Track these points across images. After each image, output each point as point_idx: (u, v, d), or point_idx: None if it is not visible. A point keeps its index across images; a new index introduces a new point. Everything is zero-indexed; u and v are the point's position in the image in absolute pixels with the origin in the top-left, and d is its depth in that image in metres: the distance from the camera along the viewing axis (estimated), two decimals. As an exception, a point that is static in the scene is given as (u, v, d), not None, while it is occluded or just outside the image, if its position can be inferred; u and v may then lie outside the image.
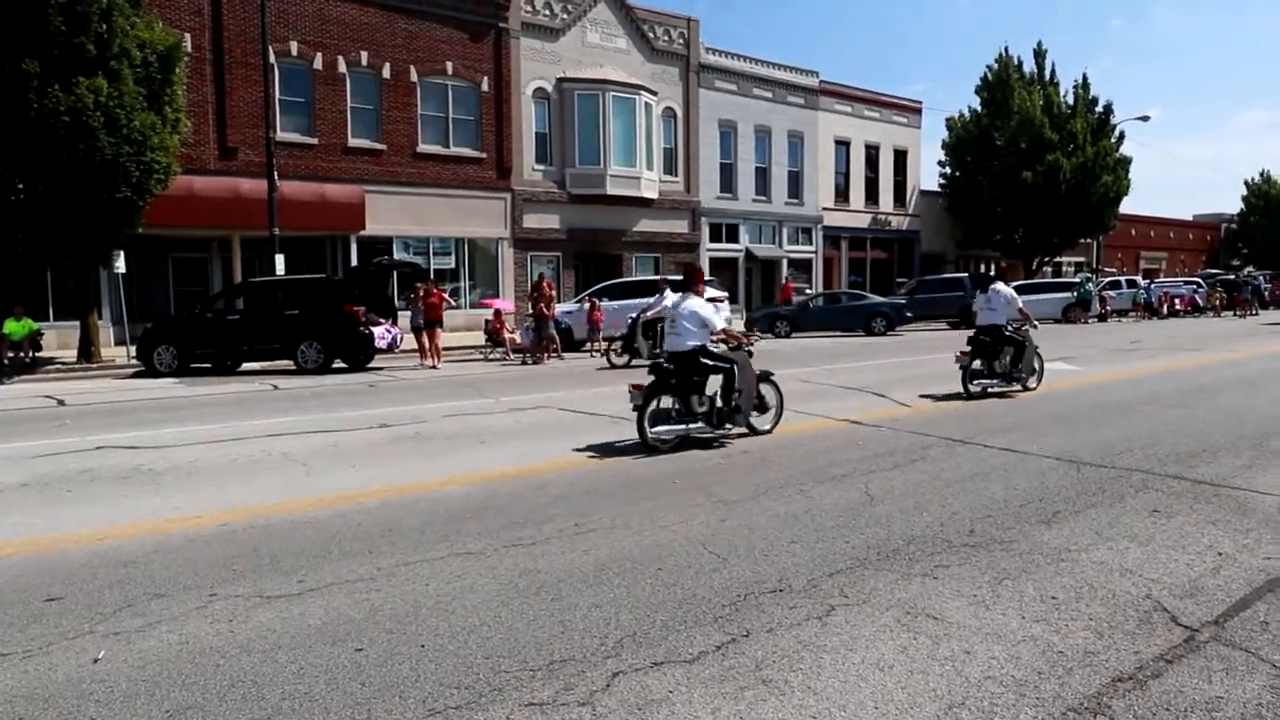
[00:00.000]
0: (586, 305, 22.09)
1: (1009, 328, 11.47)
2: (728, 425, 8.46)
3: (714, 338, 8.48)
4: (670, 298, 14.90)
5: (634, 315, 18.10)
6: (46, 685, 3.42)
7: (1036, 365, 11.90)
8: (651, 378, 8.25)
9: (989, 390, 11.33)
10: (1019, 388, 11.55)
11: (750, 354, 8.83)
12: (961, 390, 11.27)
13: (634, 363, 17.25)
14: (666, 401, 8.25)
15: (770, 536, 5.24)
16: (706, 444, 8.30)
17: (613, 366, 17.62)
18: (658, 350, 15.80)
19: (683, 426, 8.21)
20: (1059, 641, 3.68)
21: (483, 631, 3.87)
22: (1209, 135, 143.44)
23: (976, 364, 11.36)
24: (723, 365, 8.37)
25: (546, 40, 29.71)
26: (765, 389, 9.04)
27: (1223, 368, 15.02)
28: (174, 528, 5.67)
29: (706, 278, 26.87)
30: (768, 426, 8.94)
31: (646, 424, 8.01)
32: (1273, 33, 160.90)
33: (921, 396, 11.52)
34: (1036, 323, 12.61)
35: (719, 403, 8.41)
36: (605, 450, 8.18)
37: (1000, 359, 11.40)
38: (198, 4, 23.21)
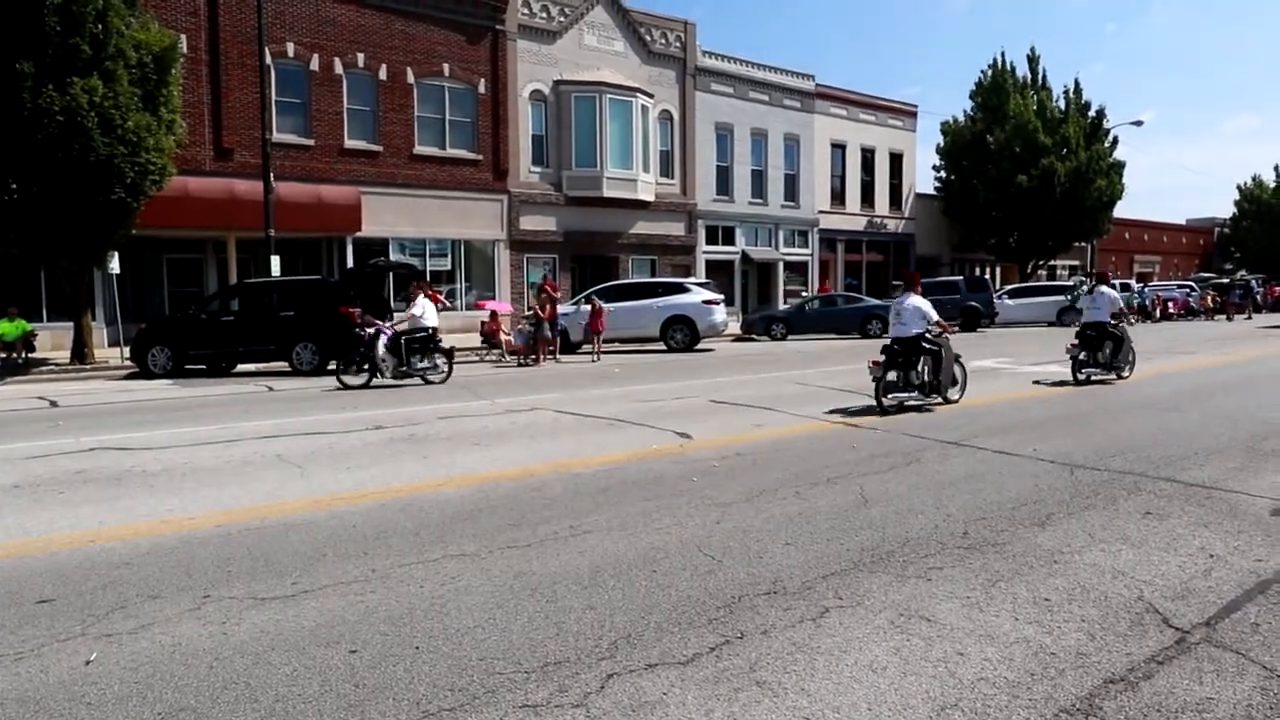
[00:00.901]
0: (586, 307, 22.08)
1: (1110, 324, 13.39)
2: (934, 395, 10.95)
3: (931, 328, 10.97)
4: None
5: (373, 330, 15.49)
6: (38, 687, 3.41)
7: (1132, 358, 13.68)
8: (883, 357, 10.83)
9: (1093, 378, 13.23)
10: (1115, 376, 13.19)
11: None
12: (1070, 378, 13.31)
13: (374, 382, 14.77)
14: (892, 375, 10.82)
15: (765, 539, 5.25)
16: (919, 409, 10.67)
17: (345, 387, 14.45)
18: (404, 367, 14.98)
19: (905, 395, 10.79)
20: (1051, 643, 3.70)
21: (477, 633, 3.87)
22: (1200, 140, 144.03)
23: (1083, 355, 13.11)
24: (934, 348, 10.91)
25: (543, 43, 29.72)
26: (955, 369, 11.25)
27: (1216, 371, 15.07)
28: (167, 529, 5.66)
29: (702, 280, 27.09)
30: (956, 397, 11.29)
31: (881, 391, 10.67)
32: (1260, 39, 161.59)
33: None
34: (1133, 319, 14.81)
35: (928, 377, 10.89)
36: (601, 452, 8.18)
37: (1102, 351, 13.37)
38: (194, 5, 23.19)
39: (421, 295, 15.84)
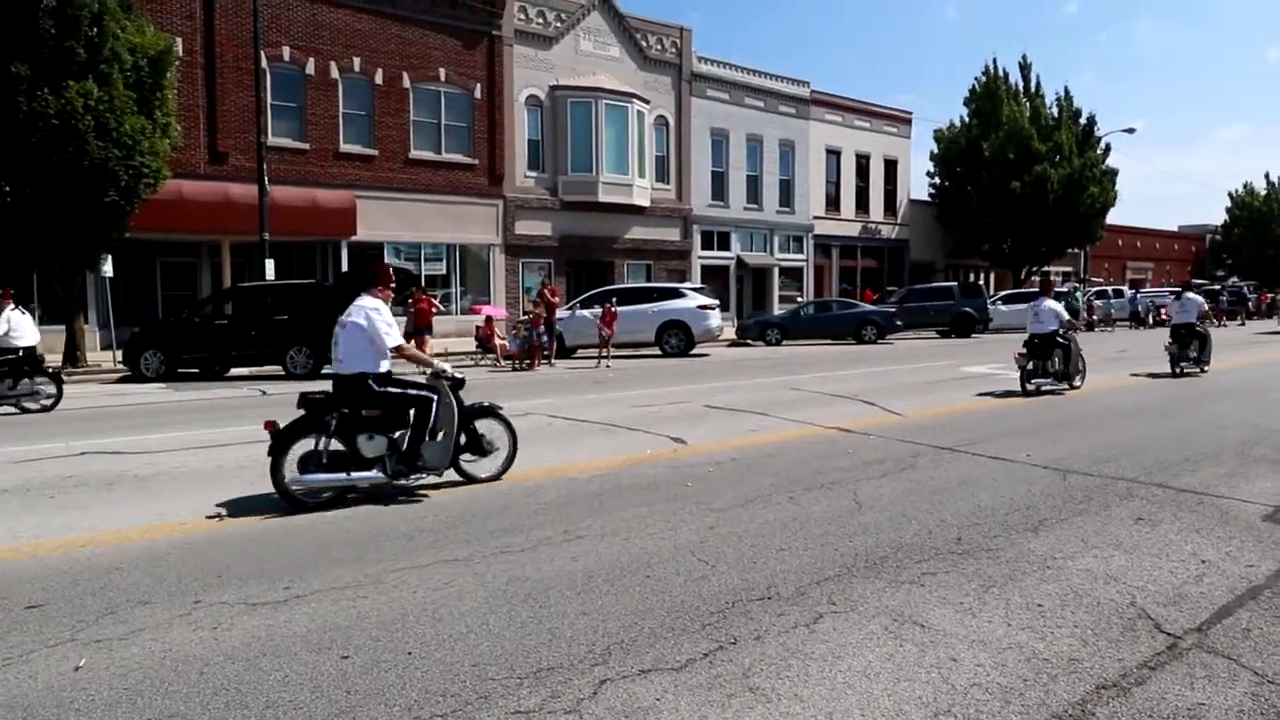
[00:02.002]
0: (582, 312, 22.04)
1: (1198, 325, 15.53)
2: (1063, 382, 12.71)
3: (1064, 325, 12.91)
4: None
5: None
6: (26, 694, 3.39)
7: (1082, 367, 13.82)
8: (1025, 350, 12.61)
9: (1185, 370, 14.84)
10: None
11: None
12: (1169, 370, 14.96)
13: None
14: (1030, 365, 12.54)
15: (759, 544, 5.25)
16: (1053, 393, 12.51)
17: None
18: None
19: (1041, 380, 12.64)
20: (1044, 649, 3.70)
21: (470, 639, 3.86)
22: (1191, 148, 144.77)
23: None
24: (1064, 343, 12.81)
25: (540, 48, 29.76)
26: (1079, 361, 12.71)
27: (1207, 377, 15.10)
28: (158, 534, 5.64)
29: (698, 285, 27.10)
30: (1079, 384, 13.09)
31: (1024, 378, 12.55)
32: (1249, 48, 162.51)
33: (909, 406, 11.57)
34: (1215, 321, 15.57)
35: (1059, 366, 12.64)
36: (595, 457, 8.17)
37: (1192, 347, 15.45)
38: (190, 8, 23.17)
39: (9, 309, 13.30)
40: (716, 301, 24.11)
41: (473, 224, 28.60)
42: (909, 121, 44.05)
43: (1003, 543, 5.23)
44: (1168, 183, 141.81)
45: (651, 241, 32.96)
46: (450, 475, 6.95)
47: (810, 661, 3.58)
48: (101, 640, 3.89)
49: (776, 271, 37.92)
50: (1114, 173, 42.28)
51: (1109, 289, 41.30)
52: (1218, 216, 64.78)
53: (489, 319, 21.48)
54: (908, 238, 43.75)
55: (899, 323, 28.49)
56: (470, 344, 22.84)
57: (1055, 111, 41.72)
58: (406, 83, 26.97)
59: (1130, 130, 43.10)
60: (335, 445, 6.38)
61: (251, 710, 3.23)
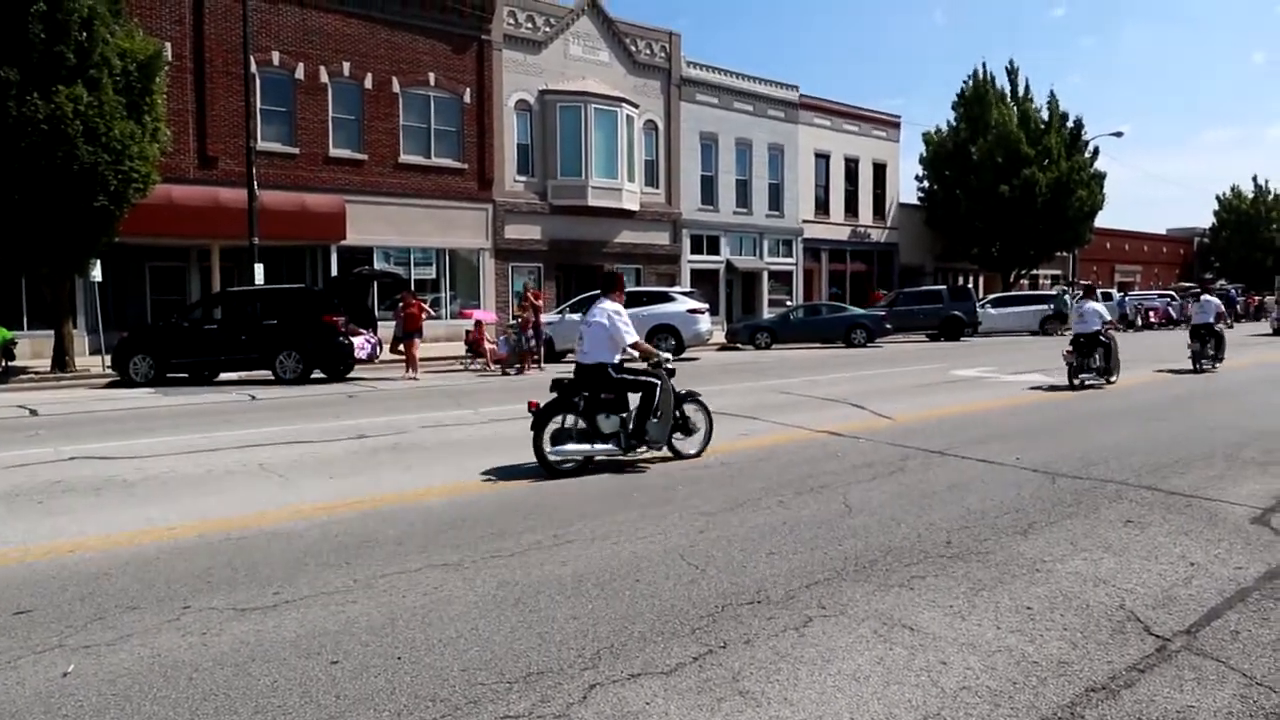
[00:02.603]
0: (573, 316, 22.02)
1: (1216, 325, 16.80)
2: (1105, 377, 14.00)
3: (1106, 325, 14.16)
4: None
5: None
6: (14, 700, 3.37)
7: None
8: (1072, 348, 13.93)
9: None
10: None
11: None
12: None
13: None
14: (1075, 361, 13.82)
15: (748, 548, 5.25)
16: (1096, 387, 13.77)
17: None
18: None
19: (1086, 375, 13.80)
20: (1034, 652, 3.71)
21: (459, 644, 3.85)
22: (1178, 151, 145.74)
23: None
24: (1105, 341, 14.09)
25: (529, 52, 29.78)
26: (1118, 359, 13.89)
27: (1196, 379, 15.20)
28: (147, 539, 5.61)
29: (687, 289, 27.12)
30: (1115, 379, 14.32)
31: (1071, 374, 13.85)
32: (1234, 53, 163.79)
33: (898, 409, 11.60)
34: (1230, 321, 16.41)
35: (1100, 363, 14.00)
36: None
37: (1210, 344, 16.58)
38: (179, 13, 23.11)
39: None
40: (706, 305, 24.13)
41: (462, 228, 28.58)
42: (897, 125, 44.22)
43: (992, 546, 5.25)
44: (1155, 186, 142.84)
45: (641, 245, 32.99)
46: (662, 451, 8.09)
47: (800, 665, 3.59)
48: (90, 646, 3.87)
49: (766, 275, 37.99)
50: (1102, 176, 42.53)
51: (1097, 292, 41.46)
52: (1205, 220, 65.35)
53: (478, 323, 21.45)
54: (897, 241, 43.90)
55: (888, 326, 28.58)
56: (460, 348, 22.80)
57: (1044, 115, 41.95)
58: (396, 87, 26.95)
59: (1118, 134, 43.51)
60: (580, 424, 7.71)
61: (241, 716, 3.22)
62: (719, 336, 28.41)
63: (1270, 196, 62.09)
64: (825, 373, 17.70)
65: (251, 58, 21.90)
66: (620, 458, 7.87)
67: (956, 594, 4.41)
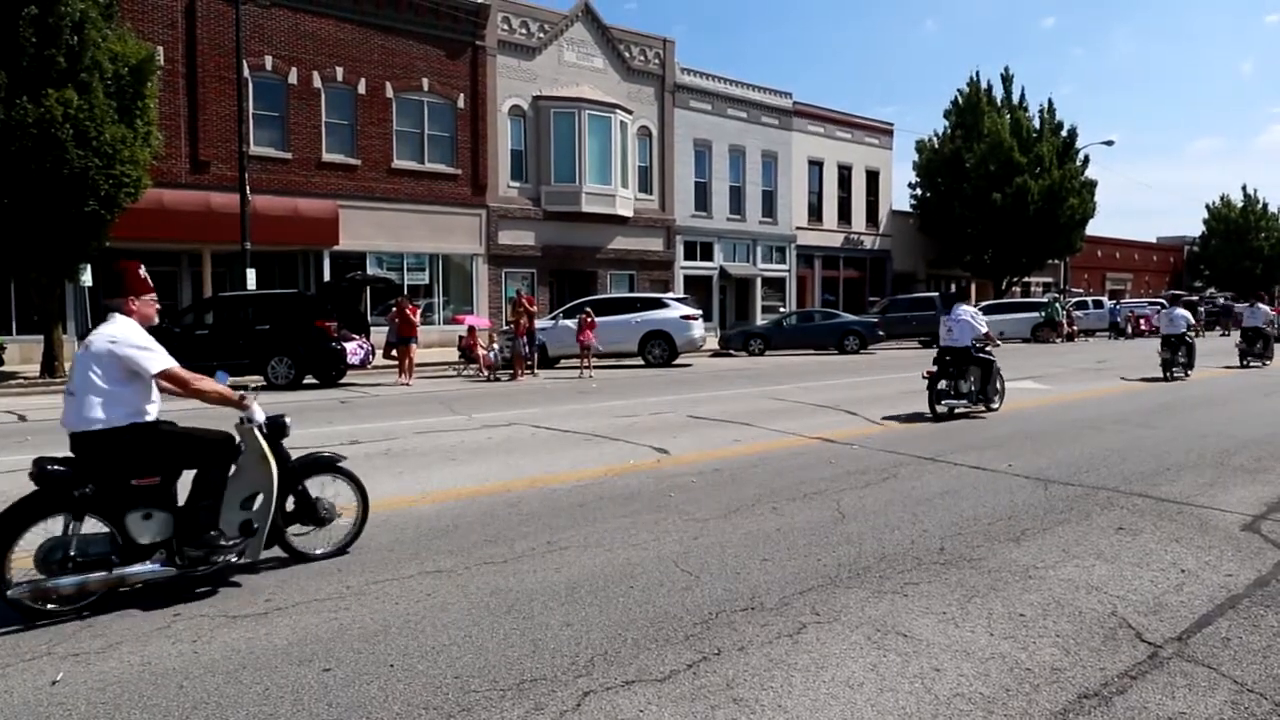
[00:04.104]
0: (565, 321, 22.04)
1: (1188, 335, 17.24)
2: (1184, 374, 16.23)
3: (1191, 329, 16.54)
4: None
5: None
6: (3, 709, 3.35)
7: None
8: (1161, 348, 16.58)
9: (1175, 376, 16.45)
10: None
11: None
12: (1161, 375, 16.53)
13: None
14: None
15: (742, 554, 5.25)
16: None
17: None
18: None
19: (1178, 369, 16.52)
20: (1026, 658, 3.71)
21: (452, 651, 3.84)
22: (1166, 160, 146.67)
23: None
24: (1190, 342, 16.70)
25: (523, 58, 29.81)
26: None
27: (1187, 387, 15.26)
28: (138, 546, 5.57)
29: (681, 295, 27.13)
30: (1187, 374, 16.58)
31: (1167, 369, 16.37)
32: (1223, 62, 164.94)
33: (890, 416, 11.62)
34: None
35: (1183, 359, 16.57)
36: (578, 468, 8.15)
37: (1181, 352, 16.90)
38: (172, 17, 23.08)
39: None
40: (699, 312, 24.14)
41: (456, 234, 28.56)
42: (890, 133, 44.38)
43: (985, 552, 5.26)
44: (1146, 194, 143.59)
45: (634, 252, 33.02)
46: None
47: (794, 672, 3.58)
48: (79, 654, 3.85)
49: (759, 282, 38.05)
50: (1093, 184, 42.73)
51: (1088, 299, 41.70)
52: (1195, 228, 65.69)
53: (472, 329, 21.42)
54: (890, 248, 44.02)
55: (881, 333, 28.65)
56: (453, 354, 22.77)
57: (1037, 124, 42.14)
58: (389, 92, 26.94)
59: (1109, 142, 43.78)
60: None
61: (231, 724, 3.20)
62: (712, 343, 28.41)
63: (1259, 205, 62.45)
64: (818, 379, 17.73)
65: (244, 62, 21.91)
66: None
67: (950, 601, 4.41)
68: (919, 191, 43.91)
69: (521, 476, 7.71)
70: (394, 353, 19.17)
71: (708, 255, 36.04)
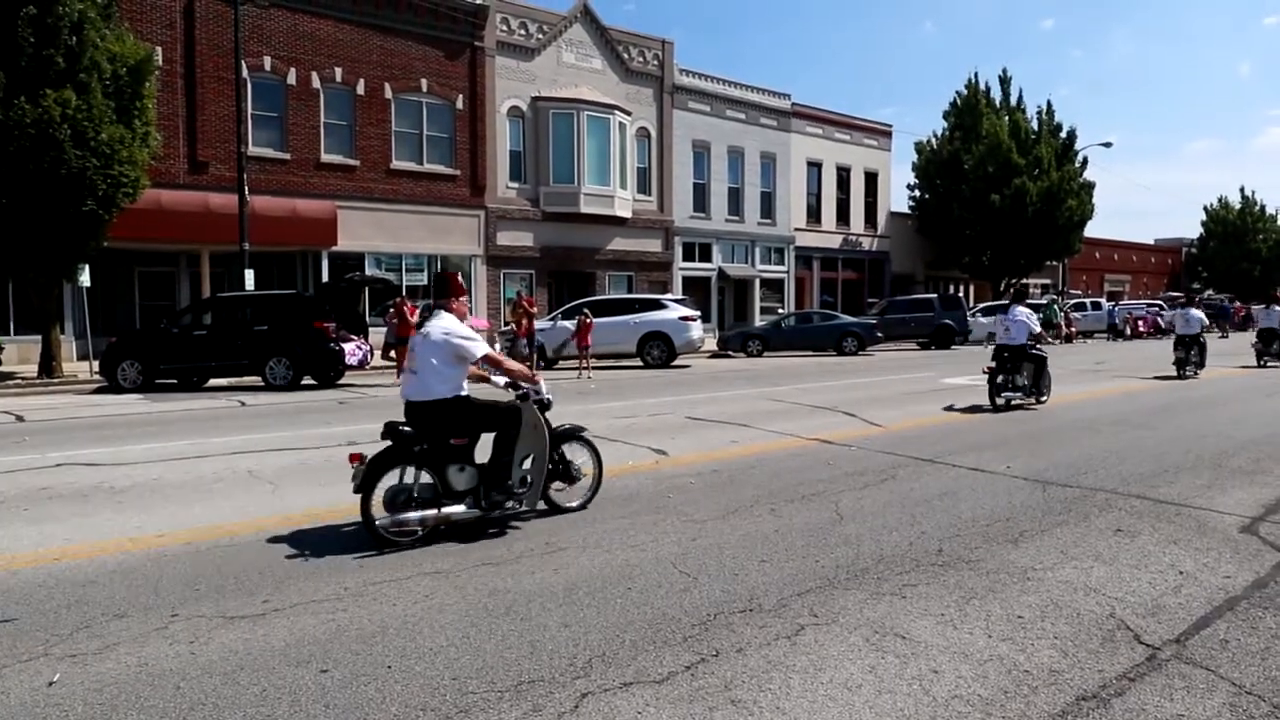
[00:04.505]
0: (564, 323, 22.04)
1: (1201, 335, 17.97)
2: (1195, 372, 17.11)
3: (1204, 329, 17.17)
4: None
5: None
6: None
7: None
8: (1176, 347, 17.39)
9: (1187, 375, 17.22)
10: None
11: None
12: (1175, 374, 17.25)
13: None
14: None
15: (740, 556, 5.25)
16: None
17: None
18: None
19: (1189, 368, 17.26)
20: (1025, 660, 3.71)
21: (450, 652, 3.83)
22: (1164, 162, 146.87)
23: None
24: (1202, 342, 17.90)
25: (522, 59, 29.80)
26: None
27: (1184, 389, 15.27)
28: (135, 547, 5.57)
29: (679, 296, 27.14)
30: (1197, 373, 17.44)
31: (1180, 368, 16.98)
32: (1220, 65, 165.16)
33: (890, 416, 11.62)
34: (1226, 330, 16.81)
35: (1195, 358, 17.59)
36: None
37: (1194, 352, 17.70)
38: (170, 17, 23.06)
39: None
40: (698, 313, 24.15)
41: (454, 235, 28.55)
42: (889, 134, 44.39)
43: (983, 554, 5.26)
44: (1144, 196, 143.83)
45: (633, 253, 33.02)
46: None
47: (792, 674, 3.58)
48: (76, 655, 3.84)
49: (758, 283, 38.05)
50: (1091, 186, 42.77)
51: (1087, 301, 41.76)
52: (1193, 230, 65.77)
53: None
54: (888, 250, 44.03)
55: (879, 334, 28.66)
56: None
57: (1035, 125, 42.17)
58: (388, 93, 26.93)
59: (1107, 144, 43.76)
60: None
61: (228, 726, 3.19)
62: (711, 344, 28.42)
63: (1257, 207, 62.54)
64: (817, 380, 17.73)
65: (243, 62, 21.89)
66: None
67: (948, 602, 4.41)
68: (917, 193, 43.92)
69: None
70: (392, 353, 19.16)
71: (706, 256, 36.04)
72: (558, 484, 6.39)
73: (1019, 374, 12.52)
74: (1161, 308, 42.14)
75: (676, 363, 23.25)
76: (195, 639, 4.01)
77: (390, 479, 5.69)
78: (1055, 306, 34.73)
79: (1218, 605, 4.38)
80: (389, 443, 5.73)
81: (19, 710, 3.33)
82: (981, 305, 38.16)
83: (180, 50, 23.23)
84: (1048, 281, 50.92)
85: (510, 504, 6.00)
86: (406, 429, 5.76)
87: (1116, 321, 38.01)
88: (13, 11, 16.03)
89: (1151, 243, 67.84)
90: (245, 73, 22.71)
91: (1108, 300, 45.16)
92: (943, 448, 9.07)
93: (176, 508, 6.67)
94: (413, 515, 5.58)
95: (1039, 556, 5.20)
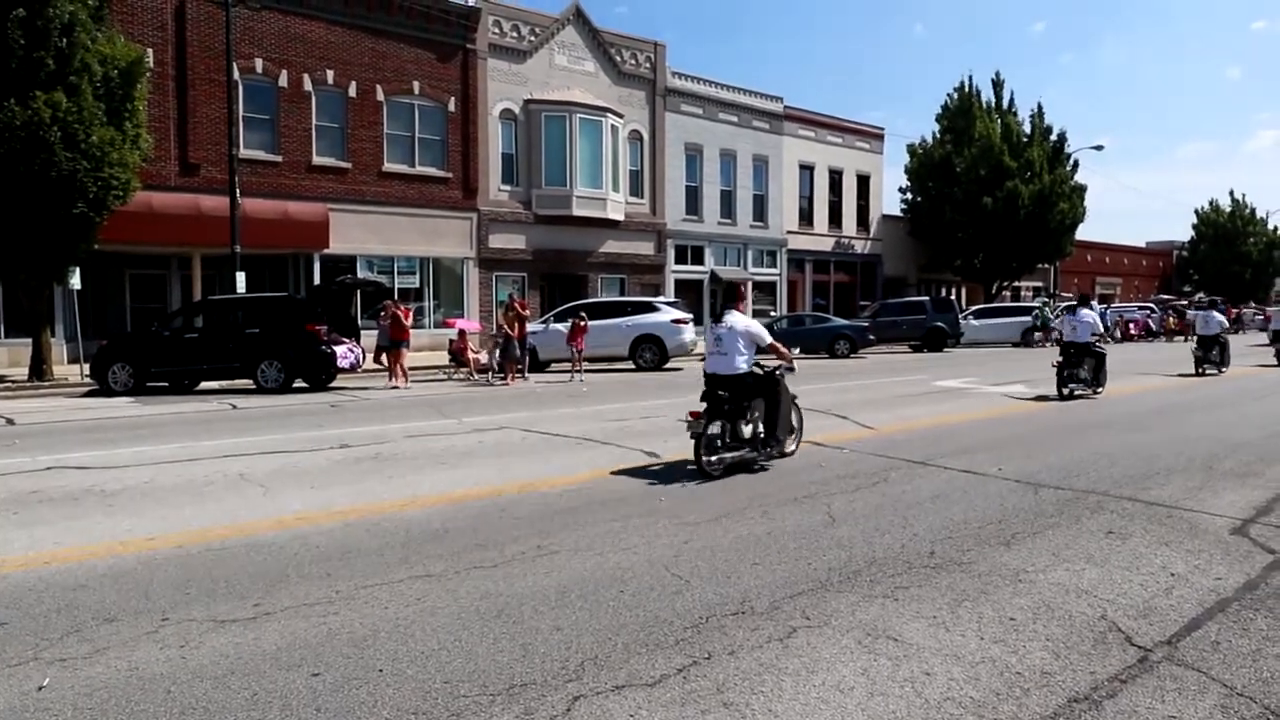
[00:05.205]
0: (556, 325, 22.02)
1: (1222, 335, 18.98)
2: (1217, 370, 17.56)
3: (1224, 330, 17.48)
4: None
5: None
6: (-12, 714, 3.32)
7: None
8: (1196, 347, 17.95)
9: (1206, 372, 18.26)
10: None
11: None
12: (1195, 371, 18.37)
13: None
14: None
15: (733, 558, 5.24)
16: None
17: None
18: None
19: (1209, 365, 17.67)
20: (1016, 662, 3.72)
21: (442, 655, 3.82)
22: (1155, 165, 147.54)
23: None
24: (1223, 342, 18.64)
25: (514, 62, 29.81)
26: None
27: (1176, 392, 15.34)
28: (125, 550, 5.55)
29: (671, 299, 27.15)
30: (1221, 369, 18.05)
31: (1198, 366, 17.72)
32: (1209, 68, 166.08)
33: (882, 419, 11.64)
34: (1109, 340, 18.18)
35: (1215, 357, 18.00)
36: (569, 472, 8.14)
37: (1215, 351, 18.74)
38: (161, 19, 23.00)
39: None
40: (690, 316, 24.16)
41: (446, 237, 28.52)
42: (881, 137, 44.52)
43: (975, 556, 5.26)
44: (1135, 199, 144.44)
45: (625, 255, 33.03)
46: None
47: (784, 676, 3.58)
48: (66, 659, 3.82)
49: (750, 286, 38.06)
50: (1083, 189, 42.96)
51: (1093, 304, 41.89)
52: (1184, 233, 66.07)
53: (462, 333, 21.39)
54: (880, 252, 44.14)
55: (871, 337, 28.71)
56: (443, 358, 22.73)
57: (1027, 128, 42.34)
58: (380, 96, 26.90)
59: (1098, 147, 43.87)
60: None
61: (219, 730, 3.18)
62: (703, 347, 28.38)
63: (1247, 210, 62.86)
64: (809, 383, 17.71)
65: (234, 64, 21.84)
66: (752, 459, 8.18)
67: (940, 605, 4.42)
68: (909, 196, 44.04)
69: (512, 480, 7.70)
70: (383, 357, 19.12)
71: (698, 259, 36.07)
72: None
73: (1081, 368, 14.15)
74: (1152, 310, 42.32)
75: (668, 365, 23.25)
76: (186, 643, 3.99)
77: (712, 428, 7.79)
78: (1046, 310, 34.83)
79: (1209, 607, 4.39)
80: (705, 405, 7.95)
81: (8, 715, 3.31)
82: (973, 308, 38.28)
83: (171, 52, 23.18)
84: (1039, 284, 51.08)
85: (770, 449, 8.23)
86: (723, 393, 7.93)
87: (1109, 324, 38.13)
88: (2, 13, 15.97)
89: (1143, 246, 68.13)
90: (236, 75, 22.66)
91: (1099, 303, 45.28)
92: (935, 450, 9.08)
93: (167, 511, 6.64)
94: (724, 456, 7.84)
95: (1031, 558, 5.21)
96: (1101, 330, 14.79)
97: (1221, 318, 19.36)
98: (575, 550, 5.45)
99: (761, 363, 8.45)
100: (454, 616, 4.30)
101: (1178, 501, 6.69)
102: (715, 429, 7.82)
